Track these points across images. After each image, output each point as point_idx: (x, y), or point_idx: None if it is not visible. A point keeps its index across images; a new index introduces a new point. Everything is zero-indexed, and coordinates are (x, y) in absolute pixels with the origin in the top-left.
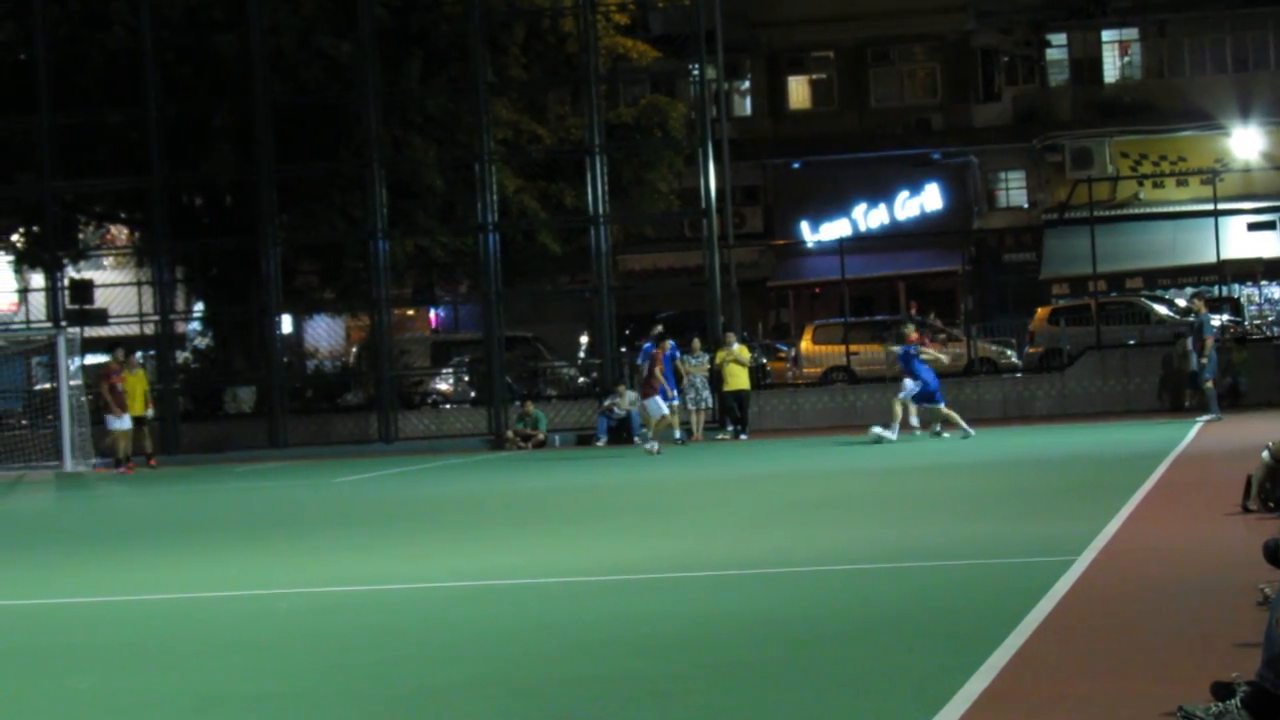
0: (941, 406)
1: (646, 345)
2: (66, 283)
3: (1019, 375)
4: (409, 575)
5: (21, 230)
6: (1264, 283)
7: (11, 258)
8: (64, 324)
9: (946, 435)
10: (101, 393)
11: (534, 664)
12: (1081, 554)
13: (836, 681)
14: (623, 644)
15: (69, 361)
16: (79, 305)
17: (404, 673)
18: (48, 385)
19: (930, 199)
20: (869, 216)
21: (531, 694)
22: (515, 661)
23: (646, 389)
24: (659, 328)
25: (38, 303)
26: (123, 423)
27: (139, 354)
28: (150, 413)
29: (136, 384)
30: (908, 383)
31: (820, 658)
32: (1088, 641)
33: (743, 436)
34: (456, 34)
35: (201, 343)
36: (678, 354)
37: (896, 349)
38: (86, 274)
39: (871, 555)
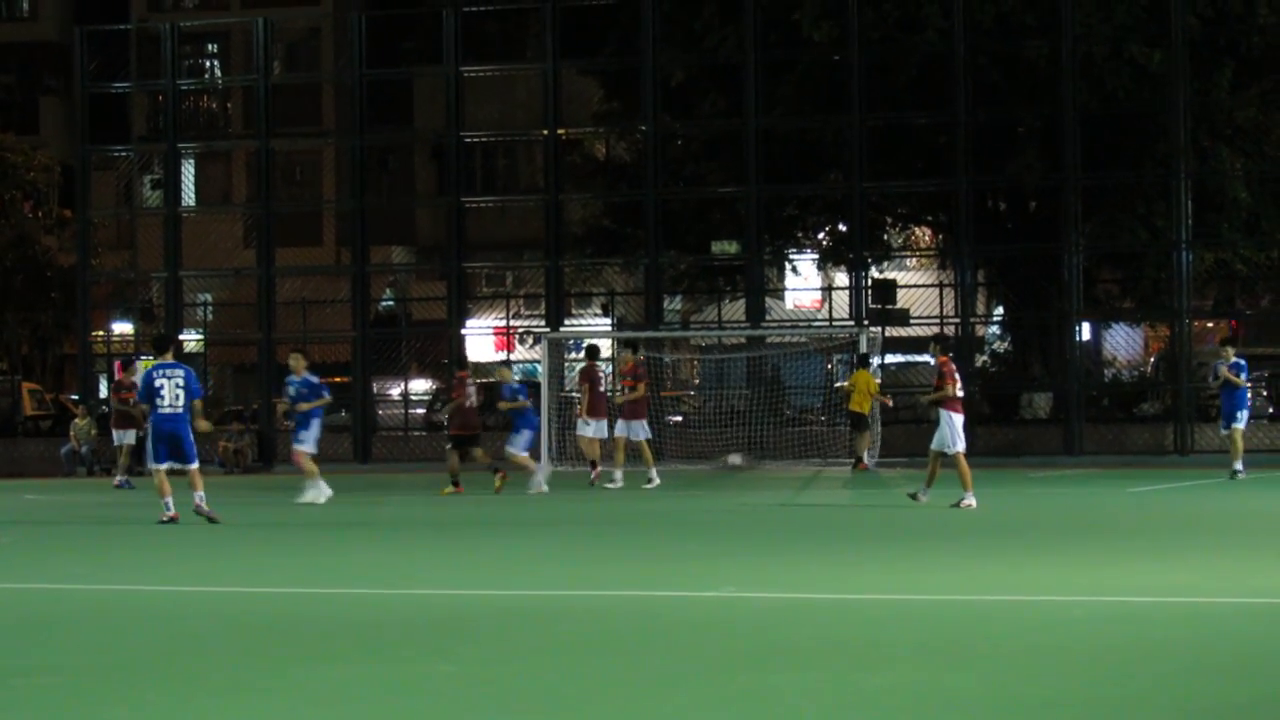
0: None
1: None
2: (869, 282)
3: None
4: (1201, 589)
5: (828, 229)
6: None
7: (816, 255)
8: (866, 323)
9: None
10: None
11: None
12: None
13: None
14: None
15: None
16: (881, 305)
17: (1194, 687)
18: (845, 384)
19: None
20: None
21: None
22: None
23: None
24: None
25: (841, 301)
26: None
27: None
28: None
29: (867, 381)
30: None
31: None
32: None
33: None
34: (1269, 46)
35: (1000, 347)
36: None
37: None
38: (889, 274)
39: None
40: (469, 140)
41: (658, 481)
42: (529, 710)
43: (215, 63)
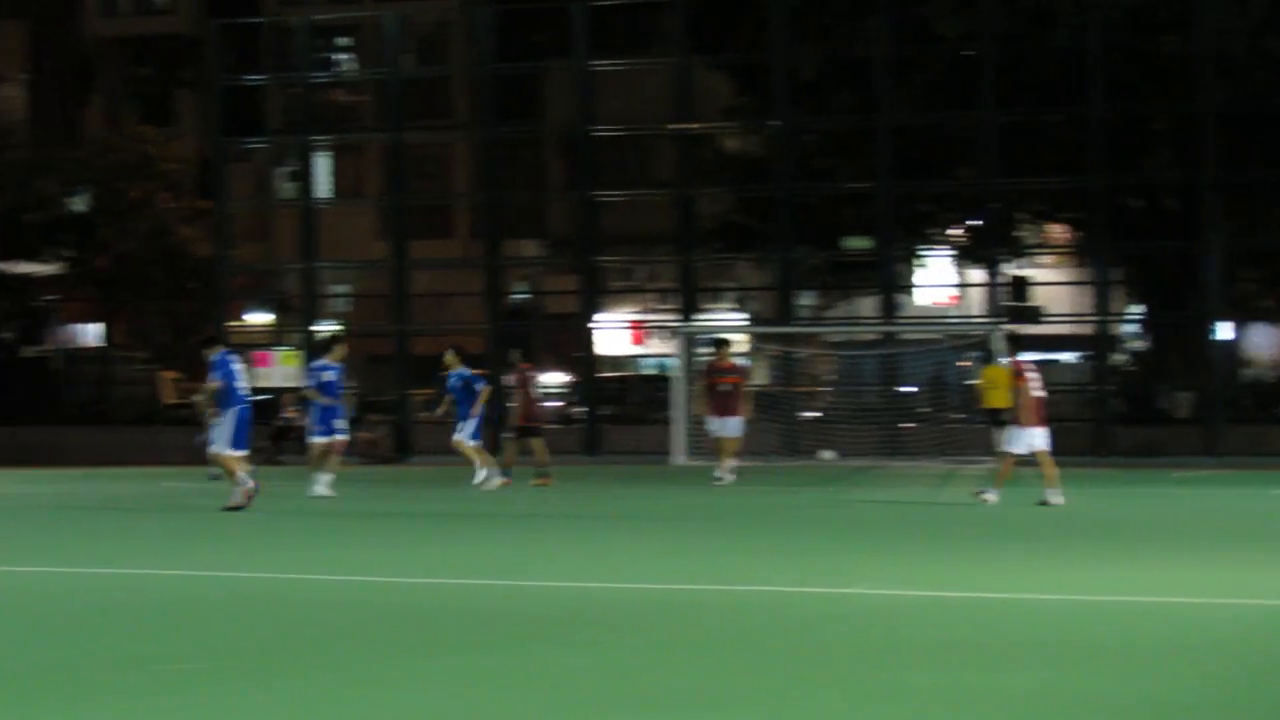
0: None
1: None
2: (1004, 278)
3: None
4: None
5: (962, 225)
6: None
7: (952, 252)
8: (1001, 320)
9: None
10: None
11: None
12: None
13: None
14: None
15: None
16: (1016, 302)
17: None
18: (977, 381)
19: None
20: None
21: None
22: None
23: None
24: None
25: (975, 298)
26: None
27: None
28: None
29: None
30: None
31: None
32: None
33: None
34: None
35: (1138, 346)
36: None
37: None
38: (1024, 271)
39: None
40: (598, 134)
41: (728, 480)
42: (662, 705)
43: (349, 56)
